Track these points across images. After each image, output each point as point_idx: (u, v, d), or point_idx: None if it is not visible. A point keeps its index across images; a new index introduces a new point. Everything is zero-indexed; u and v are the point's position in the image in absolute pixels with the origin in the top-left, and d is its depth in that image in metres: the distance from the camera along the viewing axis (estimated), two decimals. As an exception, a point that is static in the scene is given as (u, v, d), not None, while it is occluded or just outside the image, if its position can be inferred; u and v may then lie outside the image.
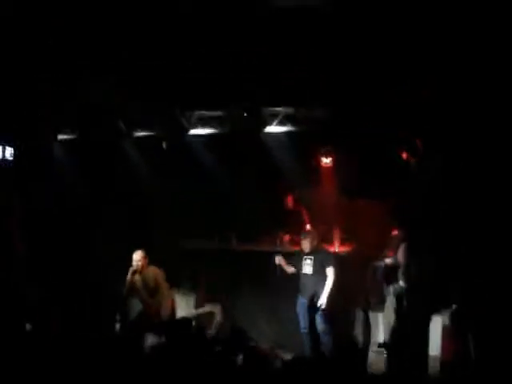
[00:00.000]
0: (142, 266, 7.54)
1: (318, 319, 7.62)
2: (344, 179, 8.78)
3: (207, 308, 8.53)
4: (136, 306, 7.94)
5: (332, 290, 7.56)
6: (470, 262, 6.85)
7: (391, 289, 7.29)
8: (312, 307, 7.65)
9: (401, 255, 7.27)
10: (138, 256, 7.53)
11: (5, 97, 7.94)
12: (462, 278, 6.84)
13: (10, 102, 8.03)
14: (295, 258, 7.92)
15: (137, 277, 7.55)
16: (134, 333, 6.75)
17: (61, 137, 8.88)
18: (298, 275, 7.87)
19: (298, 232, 8.59)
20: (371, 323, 7.64)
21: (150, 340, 6.33)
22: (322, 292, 7.57)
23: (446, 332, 6.97)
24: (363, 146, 7.76)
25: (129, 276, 7.51)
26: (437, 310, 7.00)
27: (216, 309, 8.45)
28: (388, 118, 7.07)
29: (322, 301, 7.54)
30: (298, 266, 7.85)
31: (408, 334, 6.84)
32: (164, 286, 7.59)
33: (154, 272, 7.60)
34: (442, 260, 6.91)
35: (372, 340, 7.55)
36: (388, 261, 7.44)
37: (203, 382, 4.56)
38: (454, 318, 6.91)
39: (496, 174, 6.71)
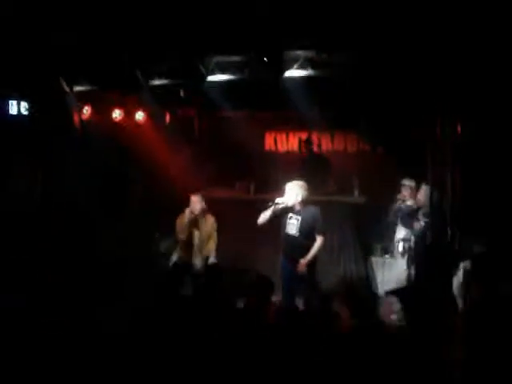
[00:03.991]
0: (200, 210, 7.42)
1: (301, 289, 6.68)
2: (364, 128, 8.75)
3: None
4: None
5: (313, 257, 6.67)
6: (495, 204, 6.81)
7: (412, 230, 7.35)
8: (295, 277, 6.66)
9: (422, 196, 7.30)
10: (196, 198, 7.41)
11: (18, 49, 7.84)
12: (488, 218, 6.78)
13: (24, 55, 7.93)
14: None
15: (191, 219, 7.39)
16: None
17: (77, 88, 8.77)
18: (281, 233, 6.86)
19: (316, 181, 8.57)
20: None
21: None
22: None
23: (468, 277, 6.97)
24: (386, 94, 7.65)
25: (186, 215, 7.38)
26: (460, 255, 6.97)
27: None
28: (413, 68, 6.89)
29: (301, 267, 6.59)
30: (282, 223, 6.82)
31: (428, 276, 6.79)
32: (215, 238, 7.53)
33: (211, 220, 7.51)
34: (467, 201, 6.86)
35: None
36: (409, 203, 7.49)
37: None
38: (477, 262, 6.89)
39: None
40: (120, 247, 8.13)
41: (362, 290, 7.59)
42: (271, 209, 6.68)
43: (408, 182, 7.68)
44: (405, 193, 7.65)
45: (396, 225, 7.70)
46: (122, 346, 4.30)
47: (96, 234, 8.51)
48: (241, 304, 5.39)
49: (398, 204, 7.67)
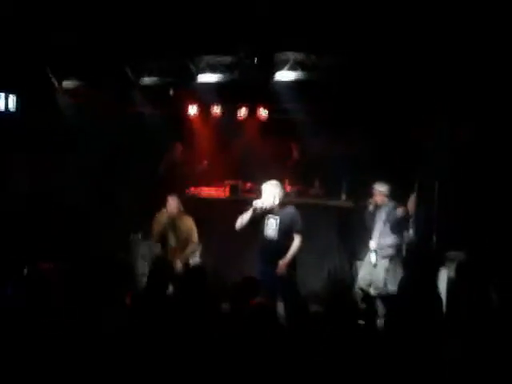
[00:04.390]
0: (177, 211, 7.40)
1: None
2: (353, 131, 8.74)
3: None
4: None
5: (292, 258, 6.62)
6: (481, 215, 6.84)
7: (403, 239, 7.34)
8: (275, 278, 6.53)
9: (411, 206, 7.28)
10: (174, 200, 7.39)
11: (7, 44, 7.78)
12: (473, 229, 6.81)
13: (13, 49, 7.87)
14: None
15: (169, 220, 7.39)
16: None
17: (66, 84, 8.70)
18: (258, 237, 6.75)
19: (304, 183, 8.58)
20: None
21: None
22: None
23: (451, 284, 6.99)
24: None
25: (163, 218, 7.39)
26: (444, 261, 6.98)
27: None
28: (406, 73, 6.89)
29: (281, 268, 6.55)
30: (259, 226, 6.70)
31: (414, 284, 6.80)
32: (194, 239, 7.47)
33: (188, 221, 7.44)
34: (452, 211, 6.88)
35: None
36: (399, 212, 7.39)
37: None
38: (461, 270, 6.90)
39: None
40: (108, 248, 8.09)
41: (345, 293, 7.56)
42: (250, 212, 6.60)
43: (379, 187, 7.47)
44: (376, 198, 7.47)
45: (372, 230, 7.59)
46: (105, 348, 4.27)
47: (90, 233, 8.46)
48: (225, 306, 5.36)
49: (370, 209, 7.56)
